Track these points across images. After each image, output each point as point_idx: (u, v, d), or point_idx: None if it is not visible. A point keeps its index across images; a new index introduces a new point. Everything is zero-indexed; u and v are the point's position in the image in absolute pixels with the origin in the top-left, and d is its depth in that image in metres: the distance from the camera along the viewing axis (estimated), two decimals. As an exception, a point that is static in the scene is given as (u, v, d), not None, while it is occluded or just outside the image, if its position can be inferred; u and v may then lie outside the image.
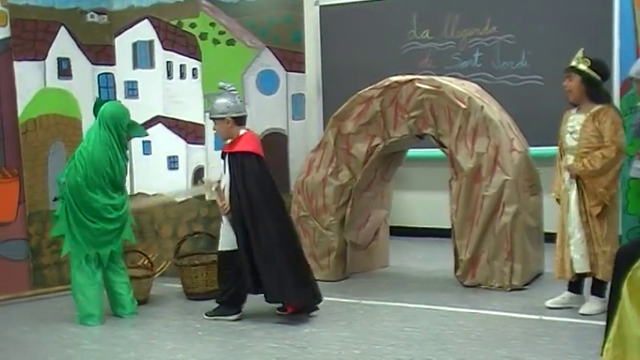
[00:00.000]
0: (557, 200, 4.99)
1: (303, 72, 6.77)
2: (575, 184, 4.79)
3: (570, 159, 4.81)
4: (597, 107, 4.75)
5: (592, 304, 4.81)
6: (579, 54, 4.87)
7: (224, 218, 5.01)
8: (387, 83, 5.97)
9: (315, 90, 8.43)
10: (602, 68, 4.86)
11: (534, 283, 5.63)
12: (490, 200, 5.52)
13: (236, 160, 4.91)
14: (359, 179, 6.11)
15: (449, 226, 5.85)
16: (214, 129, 5.21)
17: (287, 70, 6.60)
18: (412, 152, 6.79)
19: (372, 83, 6.06)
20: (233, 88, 5.02)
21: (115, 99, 6.28)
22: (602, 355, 3.54)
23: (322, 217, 6.19)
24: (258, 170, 4.90)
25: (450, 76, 6.50)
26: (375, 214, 6.47)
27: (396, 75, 6.05)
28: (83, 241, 5.00)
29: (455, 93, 5.69)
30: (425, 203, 8.13)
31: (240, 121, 4.98)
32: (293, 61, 6.62)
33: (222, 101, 4.97)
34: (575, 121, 4.83)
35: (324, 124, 7.68)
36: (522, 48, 7.39)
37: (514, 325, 4.63)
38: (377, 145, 6.02)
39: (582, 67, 4.80)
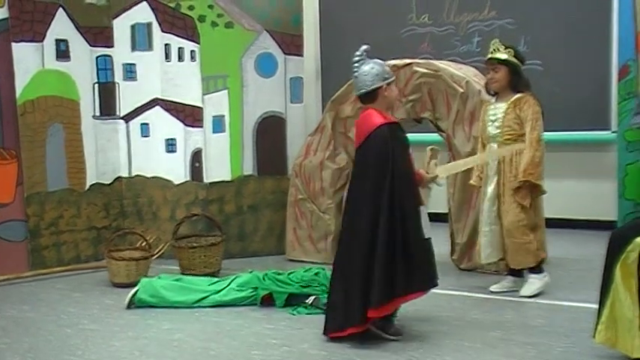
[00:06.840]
0: (475, 187, 5.11)
1: (302, 55, 6.77)
2: (496, 177, 4.83)
3: (494, 147, 4.85)
4: (518, 95, 4.79)
5: (531, 285, 4.88)
6: (497, 44, 4.84)
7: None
8: (385, 67, 5.97)
9: (314, 74, 8.44)
10: (520, 54, 4.90)
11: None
12: (487, 184, 5.53)
13: None
14: (356, 163, 6.11)
15: (446, 211, 5.87)
16: None
17: (285, 54, 6.60)
18: (409, 137, 6.78)
19: (370, 67, 6.05)
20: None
21: (114, 81, 6.29)
22: (594, 336, 3.59)
23: (320, 201, 6.22)
24: None
25: (449, 60, 6.50)
26: (372, 197, 6.48)
27: (394, 59, 6.04)
28: None
29: (453, 77, 5.70)
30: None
31: None
32: (291, 44, 6.63)
33: None
34: (496, 110, 4.87)
35: (323, 108, 7.69)
36: (522, 33, 7.37)
37: (509, 309, 4.65)
38: (375, 129, 6.02)
39: (508, 57, 4.79)
